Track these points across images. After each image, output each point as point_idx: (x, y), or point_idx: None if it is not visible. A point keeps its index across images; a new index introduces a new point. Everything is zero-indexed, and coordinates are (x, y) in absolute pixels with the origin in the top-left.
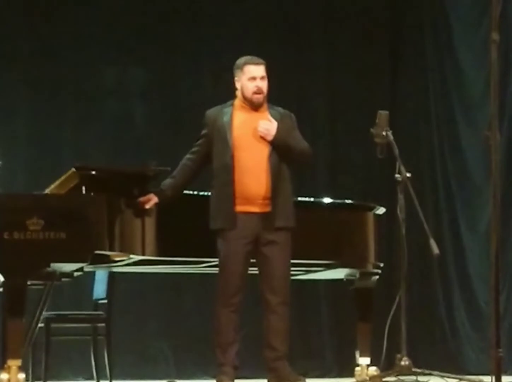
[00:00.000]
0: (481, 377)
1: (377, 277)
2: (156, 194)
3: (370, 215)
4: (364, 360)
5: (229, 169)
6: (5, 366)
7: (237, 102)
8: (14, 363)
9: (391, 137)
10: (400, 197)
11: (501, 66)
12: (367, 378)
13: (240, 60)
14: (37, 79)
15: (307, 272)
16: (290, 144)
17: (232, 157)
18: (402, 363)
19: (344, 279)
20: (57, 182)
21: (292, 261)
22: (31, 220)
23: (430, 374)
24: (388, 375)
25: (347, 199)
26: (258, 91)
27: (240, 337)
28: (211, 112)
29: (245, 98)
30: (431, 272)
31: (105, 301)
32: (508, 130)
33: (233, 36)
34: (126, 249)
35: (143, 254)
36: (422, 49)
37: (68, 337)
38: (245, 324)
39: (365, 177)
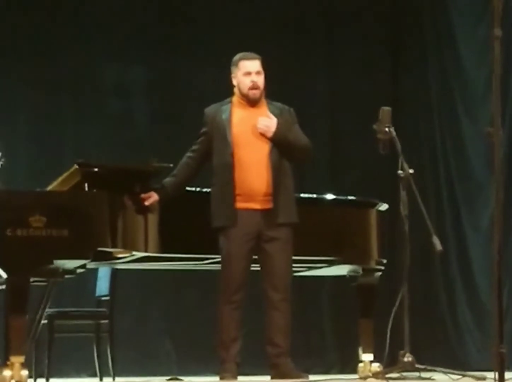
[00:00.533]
0: (484, 373)
1: (379, 273)
2: (157, 191)
3: (372, 212)
4: (367, 357)
5: (229, 166)
6: (8, 362)
7: (235, 99)
8: (17, 360)
9: (394, 133)
10: (403, 194)
11: (503, 62)
12: (370, 374)
13: (236, 57)
14: (38, 77)
15: (310, 268)
16: (290, 140)
17: (232, 154)
18: (405, 359)
19: (347, 276)
20: (59, 179)
21: (295, 257)
22: (33, 217)
23: (433, 370)
24: (391, 372)
25: (350, 195)
26: (254, 86)
27: (242, 334)
28: (209, 110)
29: (242, 94)
30: (434, 268)
31: (108, 298)
32: (510, 127)
33: (234, 34)
34: (129, 246)
35: (146, 251)
36: (424, 45)
37: (71, 334)
38: (247, 321)
39: (367, 173)
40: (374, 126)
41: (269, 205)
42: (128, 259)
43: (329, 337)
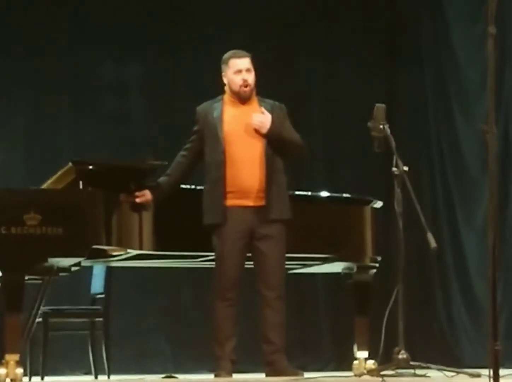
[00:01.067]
0: (478, 370)
1: (374, 271)
2: (152, 190)
3: (367, 209)
4: (362, 354)
5: (220, 164)
6: (3, 361)
7: (226, 97)
8: (12, 358)
9: (388, 131)
10: (397, 191)
11: (498, 59)
12: (365, 371)
13: (225, 55)
14: (35, 76)
15: (305, 266)
16: (284, 137)
17: (223, 152)
18: (400, 356)
19: (342, 273)
20: (54, 177)
21: (290, 255)
22: (28, 215)
23: (427, 368)
24: (386, 369)
25: (344, 193)
26: (245, 84)
27: (237, 331)
28: (201, 108)
29: (232, 92)
30: (429, 265)
31: (103, 295)
32: (505, 124)
33: (231, 32)
34: (124, 244)
35: (141, 249)
36: (419, 42)
37: (66, 332)
38: (242, 318)
39: (362, 170)
40: (369, 124)
41: (262, 202)
42: (123, 257)
43: (325, 335)
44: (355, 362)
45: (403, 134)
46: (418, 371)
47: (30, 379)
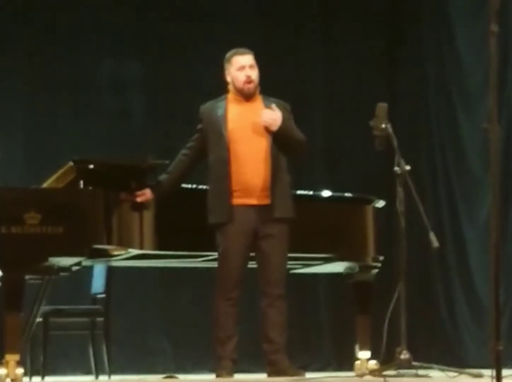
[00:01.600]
0: (481, 370)
1: (376, 270)
2: (152, 189)
3: (369, 208)
4: (363, 354)
5: (225, 162)
6: (3, 361)
7: (230, 95)
8: (12, 358)
9: (390, 130)
10: (399, 190)
11: (500, 57)
12: (367, 371)
13: (228, 53)
14: (34, 74)
15: (306, 265)
16: (291, 134)
17: (228, 150)
18: (402, 356)
19: (344, 273)
20: (54, 176)
21: (291, 254)
22: (28, 214)
23: (430, 368)
24: (388, 369)
25: (346, 192)
26: (248, 80)
27: (238, 331)
28: (205, 107)
29: (236, 89)
30: (431, 265)
31: (103, 295)
32: (507, 122)
33: (230, 29)
34: (124, 243)
35: (141, 248)
36: (421, 40)
37: (66, 332)
38: (244, 318)
39: (364, 170)
40: (371, 123)
41: (266, 201)
42: (123, 257)
43: (326, 335)
44: (357, 362)
45: (405, 133)
46: (420, 371)
47: (30, 379)
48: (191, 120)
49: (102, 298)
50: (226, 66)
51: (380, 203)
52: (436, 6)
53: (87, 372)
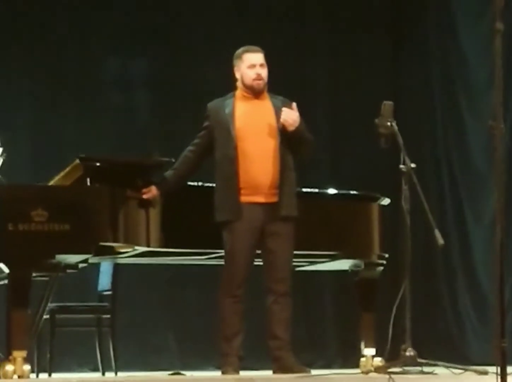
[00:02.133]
0: (486, 368)
1: (381, 268)
2: (158, 185)
3: (374, 206)
4: (369, 351)
5: (233, 160)
6: (10, 357)
7: (238, 92)
8: (19, 355)
9: (396, 128)
10: (405, 188)
11: (505, 55)
12: (372, 369)
13: (239, 50)
14: (39, 71)
15: (312, 263)
16: (305, 136)
17: (235, 148)
18: (407, 354)
19: (349, 270)
20: (61, 174)
21: (297, 252)
22: (35, 212)
23: (435, 365)
24: (393, 366)
25: (352, 190)
26: (258, 78)
27: (244, 328)
28: (212, 105)
29: (245, 86)
30: (436, 262)
31: (110, 292)
32: None
33: (235, 26)
34: (131, 241)
35: (148, 246)
36: (426, 38)
37: (73, 329)
38: (249, 315)
39: (369, 168)
40: (376, 121)
41: (274, 199)
42: (130, 254)
43: (332, 332)
44: (362, 359)
45: (409, 131)
46: (426, 369)
47: (37, 376)
48: (197, 118)
49: (109, 295)
50: (236, 62)
51: (385, 201)
52: (441, 4)
53: (94, 368)
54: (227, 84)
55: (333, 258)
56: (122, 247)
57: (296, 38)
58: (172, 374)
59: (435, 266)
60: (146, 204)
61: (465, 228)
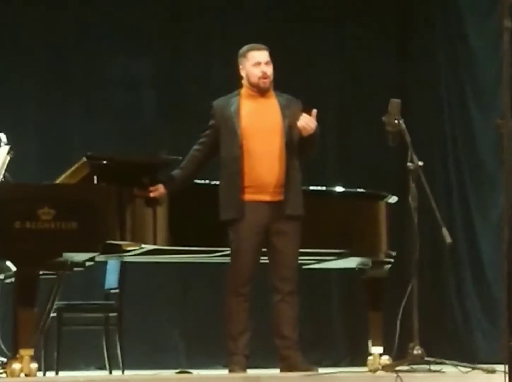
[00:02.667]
0: (494, 366)
1: (389, 266)
2: (165, 184)
3: (382, 204)
4: (376, 349)
5: (237, 158)
6: (17, 356)
7: (244, 90)
8: (26, 353)
9: (403, 125)
10: (412, 186)
11: None
12: (380, 367)
13: (244, 48)
14: (46, 70)
15: (319, 261)
16: (316, 139)
17: (240, 146)
18: (415, 352)
19: (356, 268)
20: (68, 172)
21: (304, 250)
22: (42, 210)
23: (442, 363)
24: (401, 364)
25: (359, 188)
26: (264, 76)
27: (251, 327)
28: (218, 103)
29: (251, 84)
30: (444, 261)
31: (117, 290)
32: None
33: (242, 24)
34: (138, 239)
35: (155, 244)
36: (434, 36)
37: (80, 327)
38: (256, 313)
39: (376, 165)
40: (383, 118)
41: (280, 197)
42: (137, 252)
43: (339, 330)
44: (370, 357)
45: (417, 128)
46: (433, 367)
47: (44, 374)
48: (203, 117)
49: (116, 294)
50: (241, 60)
51: (393, 199)
52: (448, 1)
53: (101, 367)
54: (233, 83)
55: (340, 256)
56: (129, 245)
57: (304, 37)
58: (179, 372)
59: (442, 265)
60: (153, 203)
61: (473, 226)
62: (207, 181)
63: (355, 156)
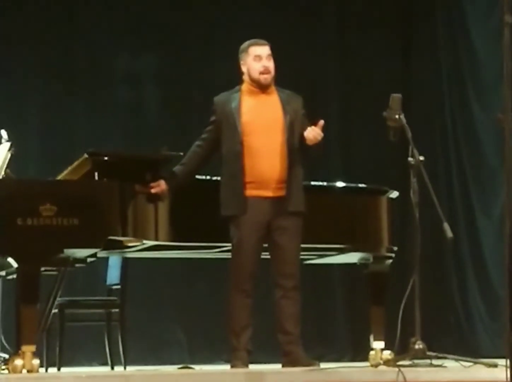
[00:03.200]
0: (495, 361)
1: (390, 261)
2: (166, 180)
3: (383, 199)
4: (378, 344)
5: (238, 154)
6: (20, 352)
7: (245, 86)
8: (28, 349)
9: (404, 121)
10: (413, 181)
11: None
12: (381, 362)
13: (245, 43)
14: (49, 67)
15: (321, 256)
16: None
17: (241, 142)
18: (416, 346)
19: (358, 263)
20: (69, 168)
21: (306, 245)
22: (44, 206)
23: (444, 358)
24: (402, 359)
25: (360, 183)
26: (265, 71)
27: (253, 322)
28: (219, 99)
29: (252, 80)
30: (445, 255)
31: (119, 286)
32: None
33: (245, 21)
34: (139, 235)
35: (156, 240)
36: (436, 32)
37: (82, 323)
38: (258, 309)
39: (378, 161)
40: (384, 113)
41: (282, 193)
42: (138, 248)
43: (341, 325)
44: (372, 352)
45: (419, 123)
46: (435, 361)
47: (46, 370)
48: (206, 113)
49: (118, 289)
50: (242, 56)
51: (394, 194)
52: None
53: (103, 363)
54: (237, 79)
55: (341, 251)
56: (130, 241)
57: (306, 32)
58: (181, 368)
59: (444, 259)
60: (154, 199)
61: (474, 221)
62: (208, 177)
63: (356, 151)
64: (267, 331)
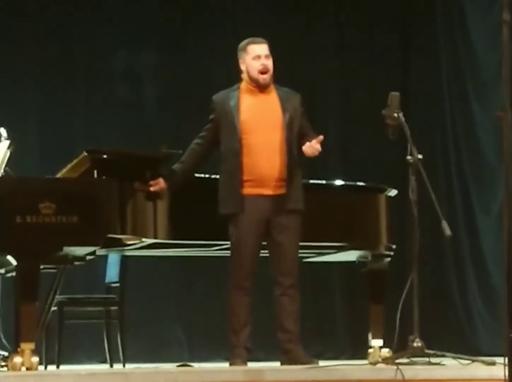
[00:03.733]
0: (494, 358)
1: (389, 259)
2: (165, 178)
3: (382, 197)
4: (376, 342)
5: (237, 153)
6: (19, 349)
7: (243, 85)
8: (27, 347)
9: (403, 119)
10: (412, 179)
11: None
12: (380, 360)
13: (243, 42)
14: (48, 64)
15: (319, 254)
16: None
17: (240, 140)
18: (415, 344)
19: (356, 261)
20: (69, 166)
21: (305, 243)
22: (43, 204)
23: (443, 356)
24: (401, 357)
25: (359, 181)
26: (264, 70)
27: (252, 320)
28: (218, 97)
29: (251, 78)
30: (444, 253)
31: (118, 284)
32: None
33: (244, 19)
34: (138, 233)
35: (155, 238)
36: (435, 30)
37: (81, 321)
38: (258, 307)
39: (376, 159)
40: (383, 112)
41: (280, 191)
42: (137, 246)
43: (340, 323)
44: (370, 350)
45: (418, 122)
46: (433, 359)
47: (45, 368)
48: (205, 111)
49: (117, 287)
50: (241, 54)
51: (393, 192)
52: None
53: (102, 361)
54: (236, 79)
55: (340, 249)
56: (129, 239)
57: (305, 31)
58: (180, 365)
59: (443, 257)
60: (153, 197)
61: (473, 219)
62: (207, 175)
63: (355, 149)
64: (266, 329)
